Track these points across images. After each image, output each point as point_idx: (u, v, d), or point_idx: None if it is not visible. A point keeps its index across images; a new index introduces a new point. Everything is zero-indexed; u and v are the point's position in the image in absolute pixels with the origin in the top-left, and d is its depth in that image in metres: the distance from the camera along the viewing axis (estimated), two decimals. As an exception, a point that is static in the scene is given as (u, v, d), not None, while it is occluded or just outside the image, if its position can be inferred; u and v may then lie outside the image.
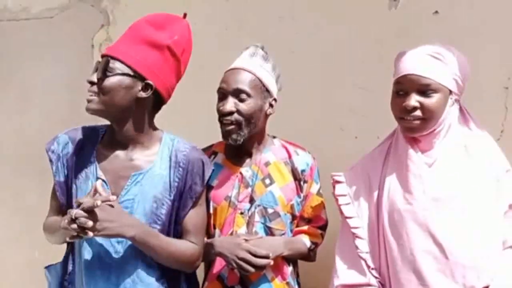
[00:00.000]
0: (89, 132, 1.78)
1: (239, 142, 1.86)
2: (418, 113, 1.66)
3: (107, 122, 1.75)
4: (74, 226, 1.51)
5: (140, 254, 1.68)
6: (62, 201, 1.74)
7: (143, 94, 1.67)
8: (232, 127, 1.84)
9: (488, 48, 2.12)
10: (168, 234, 1.72)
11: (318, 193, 1.99)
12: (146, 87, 1.67)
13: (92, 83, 1.63)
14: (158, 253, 1.68)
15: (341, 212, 1.79)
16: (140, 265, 1.68)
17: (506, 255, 1.64)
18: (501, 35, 2.12)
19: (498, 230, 1.64)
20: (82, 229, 1.51)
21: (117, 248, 1.68)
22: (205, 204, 1.83)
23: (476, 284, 1.61)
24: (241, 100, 1.84)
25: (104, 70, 1.64)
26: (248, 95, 1.84)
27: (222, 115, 1.84)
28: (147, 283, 1.69)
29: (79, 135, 1.76)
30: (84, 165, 1.72)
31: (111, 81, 1.64)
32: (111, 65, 1.64)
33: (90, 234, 1.52)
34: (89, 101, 1.64)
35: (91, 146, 1.74)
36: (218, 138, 1.94)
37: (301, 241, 1.96)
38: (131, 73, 1.65)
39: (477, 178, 1.66)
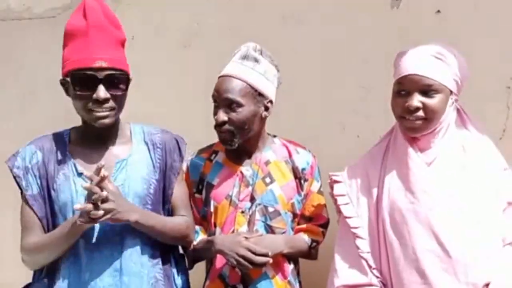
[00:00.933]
0: (55, 138, 1.77)
1: (234, 147, 1.89)
2: (420, 113, 1.66)
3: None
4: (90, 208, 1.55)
5: (135, 235, 1.70)
6: (41, 214, 1.70)
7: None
8: (225, 135, 1.87)
9: (490, 47, 2.12)
10: (162, 212, 1.79)
11: (319, 192, 2.00)
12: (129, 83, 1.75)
13: (107, 100, 1.63)
14: (159, 232, 1.73)
15: (340, 212, 1.80)
16: (136, 244, 1.71)
17: (505, 252, 1.64)
18: (504, 35, 2.12)
19: (497, 227, 1.64)
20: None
21: (114, 229, 1.68)
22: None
23: (478, 282, 1.61)
24: (233, 110, 1.84)
25: (126, 85, 1.68)
26: (239, 105, 1.84)
27: (216, 125, 1.87)
28: (141, 262, 1.71)
29: (46, 142, 1.75)
30: (59, 168, 1.70)
31: (125, 94, 1.70)
32: (124, 78, 1.68)
33: (100, 213, 1.56)
34: (104, 117, 1.64)
35: (61, 149, 1.73)
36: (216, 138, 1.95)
37: (302, 239, 1.97)
38: (130, 78, 1.71)
39: (476, 176, 1.67)
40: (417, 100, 1.65)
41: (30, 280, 1.80)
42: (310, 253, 1.99)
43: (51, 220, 1.71)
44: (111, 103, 1.65)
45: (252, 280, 1.87)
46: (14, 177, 1.73)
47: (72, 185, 1.68)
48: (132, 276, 1.69)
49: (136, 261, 1.70)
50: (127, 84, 1.69)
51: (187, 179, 1.94)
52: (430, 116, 1.66)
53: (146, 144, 1.78)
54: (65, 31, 1.68)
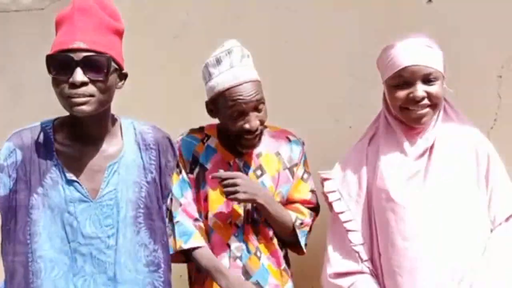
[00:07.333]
0: (38, 133, 1.60)
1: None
2: (425, 101, 1.68)
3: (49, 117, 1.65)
4: None
5: (129, 241, 1.63)
6: (3, 214, 1.57)
7: (121, 86, 1.62)
8: (257, 140, 1.86)
9: (481, 36, 2.12)
10: (163, 216, 1.71)
11: (302, 178, 1.97)
12: (122, 77, 1.62)
13: (84, 84, 1.49)
14: None
15: (332, 209, 1.80)
16: (131, 251, 1.63)
17: (495, 234, 1.68)
18: (495, 24, 2.12)
19: (486, 213, 1.69)
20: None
21: (108, 244, 1.61)
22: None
23: (469, 265, 1.63)
24: (259, 111, 1.83)
25: (108, 69, 1.51)
26: (263, 102, 1.85)
27: (249, 133, 1.82)
28: (136, 269, 1.63)
29: (26, 139, 1.59)
30: (46, 171, 1.57)
31: (110, 79, 1.53)
32: (105, 61, 1.51)
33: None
34: (81, 103, 1.49)
35: (46, 148, 1.59)
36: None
37: (288, 213, 1.92)
38: (117, 67, 1.57)
39: (467, 162, 1.70)
40: (421, 89, 1.68)
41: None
42: (294, 232, 1.92)
43: (6, 224, 1.59)
44: (90, 89, 1.49)
45: (253, 273, 1.88)
46: None
47: (62, 192, 1.57)
48: (127, 284, 1.61)
49: (131, 269, 1.62)
50: (108, 69, 1.51)
51: (179, 159, 1.87)
52: (435, 102, 1.69)
53: (138, 144, 1.67)
54: (55, 22, 1.56)
